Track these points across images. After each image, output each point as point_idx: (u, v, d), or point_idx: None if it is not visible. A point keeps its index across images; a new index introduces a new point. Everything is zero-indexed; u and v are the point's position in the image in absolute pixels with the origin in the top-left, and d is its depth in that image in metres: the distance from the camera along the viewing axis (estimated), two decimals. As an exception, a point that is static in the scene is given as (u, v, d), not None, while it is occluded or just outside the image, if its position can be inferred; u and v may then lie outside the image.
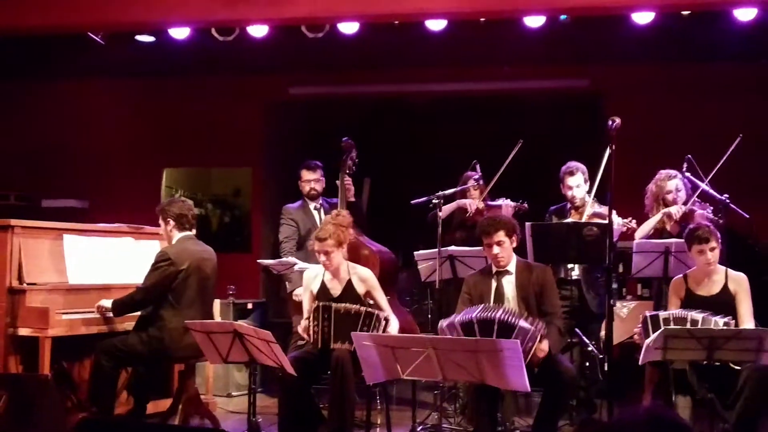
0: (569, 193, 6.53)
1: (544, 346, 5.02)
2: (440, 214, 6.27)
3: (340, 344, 5.38)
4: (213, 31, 7.21)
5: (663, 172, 6.44)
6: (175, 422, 5.85)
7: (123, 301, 5.84)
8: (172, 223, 5.95)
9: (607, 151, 5.37)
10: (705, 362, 4.79)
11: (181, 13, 6.97)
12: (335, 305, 5.47)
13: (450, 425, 6.12)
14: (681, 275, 5.65)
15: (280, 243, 7.07)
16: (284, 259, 6.76)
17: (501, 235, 5.39)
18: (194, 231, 6.05)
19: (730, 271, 5.52)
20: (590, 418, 6.14)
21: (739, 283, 5.47)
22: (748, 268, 5.65)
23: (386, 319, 5.48)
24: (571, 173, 6.52)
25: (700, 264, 5.44)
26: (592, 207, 6.36)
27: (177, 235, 5.96)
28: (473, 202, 6.85)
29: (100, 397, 5.73)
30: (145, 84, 9.49)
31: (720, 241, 5.43)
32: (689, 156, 6.28)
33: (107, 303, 5.88)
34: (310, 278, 5.82)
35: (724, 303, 5.35)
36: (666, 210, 6.28)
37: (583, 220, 6.28)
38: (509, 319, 4.95)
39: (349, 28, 7.04)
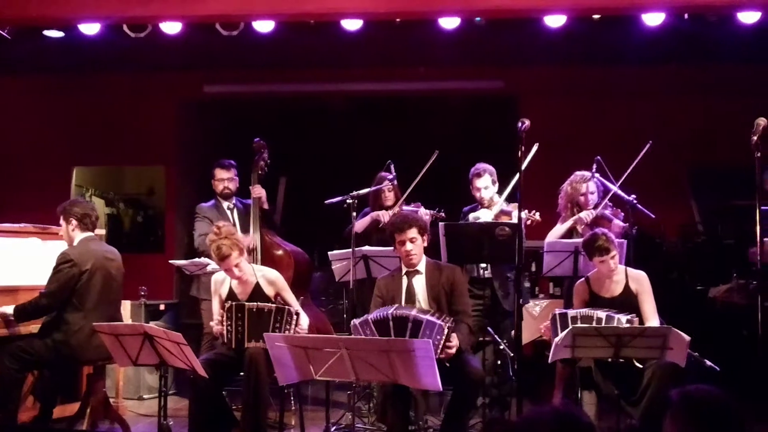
0: (478, 195, 6.59)
1: (453, 340, 5.07)
2: (356, 229, 6.31)
3: (254, 343, 5.33)
4: (125, 27, 7.07)
5: (578, 174, 6.51)
6: (82, 427, 5.75)
7: (25, 307, 5.62)
8: (74, 223, 5.79)
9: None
10: (610, 359, 4.90)
11: (92, 8, 6.81)
12: (248, 304, 5.41)
13: (364, 425, 6.13)
14: (583, 279, 5.76)
15: (197, 240, 6.93)
16: (197, 259, 6.66)
17: (414, 233, 5.43)
18: (95, 232, 5.91)
19: (629, 270, 5.65)
20: (497, 418, 6.22)
21: (640, 282, 5.59)
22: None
23: (297, 314, 5.44)
24: (479, 175, 6.58)
25: (604, 271, 5.54)
26: (500, 206, 6.45)
27: (79, 236, 5.80)
28: (386, 213, 6.78)
29: (4, 402, 5.53)
30: (54, 80, 9.24)
31: (616, 245, 5.53)
32: (598, 157, 6.38)
33: (8, 309, 5.67)
34: (218, 282, 5.73)
35: (627, 303, 5.46)
36: (577, 216, 6.37)
37: (492, 216, 6.36)
38: (418, 315, 5.01)
39: (264, 26, 6.98)
